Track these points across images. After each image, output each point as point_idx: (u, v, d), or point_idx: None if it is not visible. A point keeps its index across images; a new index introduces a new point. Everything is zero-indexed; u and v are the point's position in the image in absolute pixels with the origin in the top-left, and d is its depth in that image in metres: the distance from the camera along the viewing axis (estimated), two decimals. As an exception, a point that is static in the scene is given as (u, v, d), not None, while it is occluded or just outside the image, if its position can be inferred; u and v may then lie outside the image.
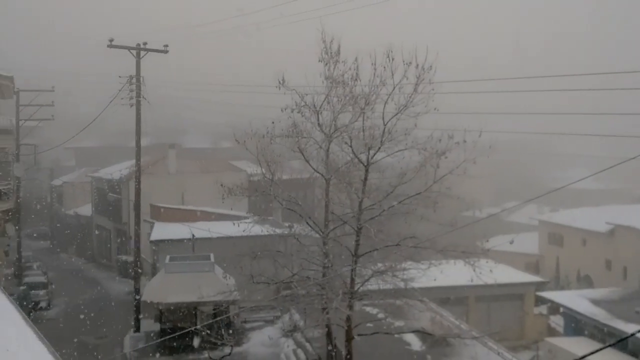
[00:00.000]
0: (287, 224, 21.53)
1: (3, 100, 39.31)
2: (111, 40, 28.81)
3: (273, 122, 19.42)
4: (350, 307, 18.55)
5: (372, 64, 18.09)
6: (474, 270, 17.79)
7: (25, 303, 31.58)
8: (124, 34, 30.41)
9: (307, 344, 25.06)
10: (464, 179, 17.11)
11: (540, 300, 33.56)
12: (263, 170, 19.80)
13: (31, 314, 31.26)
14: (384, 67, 18.00)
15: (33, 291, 35.94)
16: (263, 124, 19.49)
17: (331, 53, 18.95)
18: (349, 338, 19.18)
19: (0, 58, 50.32)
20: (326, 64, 19.03)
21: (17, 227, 42.13)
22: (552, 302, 31.58)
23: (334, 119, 19.16)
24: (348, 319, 18.79)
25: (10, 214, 39.65)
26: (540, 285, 34.80)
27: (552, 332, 33.07)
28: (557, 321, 33.87)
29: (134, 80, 30.26)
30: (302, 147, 19.34)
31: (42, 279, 39.22)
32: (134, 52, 29.83)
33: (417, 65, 17.39)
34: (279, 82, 18.91)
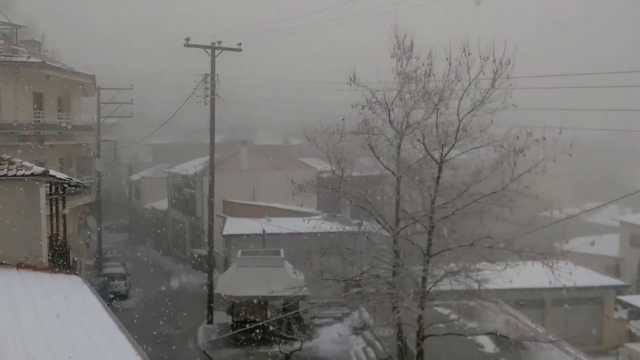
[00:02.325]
0: (356, 222, 21.45)
1: (85, 98, 41.19)
2: (187, 40, 29.53)
3: (343, 119, 19.38)
4: (422, 307, 18.27)
5: (446, 58, 17.72)
6: (552, 272, 17.12)
7: (105, 293, 32.88)
8: (200, 33, 31.06)
9: (377, 343, 24.92)
10: (543, 178, 16.48)
11: (620, 305, 32.08)
12: (333, 167, 19.79)
13: (111, 304, 32.54)
14: (460, 62, 17.59)
15: (112, 282, 37.35)
16: (333, 121, 19.47)
17: (404, 48, 18.72)
18: (420, 338, 18.90)
19: (83, 58, 52.66)
20: (398, 59, 18.80)
21: (98, 220, 44.03)
22: (633, 306, 30.10)
23: (406, 115, 18.90)
24: (419, 318, 18.51)
25: (91, 207, 41.53)
26: (621, 289, 33.24)
27: (632, 337, 31.53)
28: (638, 326, 32.29)
29: (208, 78, 30.91)
30: (373, 144, 19.20)
31: (121, 270, 40.72)
32: (209, 50, 30.45)
33: (495, 59, 16.87)
34: (350, 79, 18.83)
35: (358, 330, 27.30)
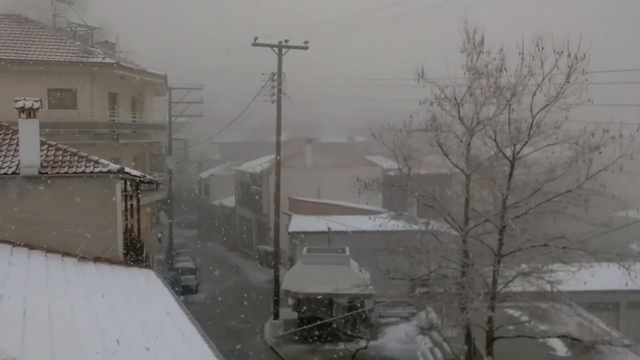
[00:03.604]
0: (423, 220, 21.19)
1: (157, 98, 42.43)
2: (255, 39, 29.93)
3: (411, 116, 19.20)
4: (492, 308, 17.88)
5: (519, 53, 17.31)
6: (629, 274, 16.40)
7: (176, 287, 33.79)
8: (267, 33, 31.44)
9: (445, 343, 24.54)
10: (619, 176, 15.79)
11: None
12: (399, 165, 19.62)
13: (181, 297, 33.39)
14: (533, 57, 17.13)
15: (183, 276, 38.38)
16: (400, 118, 19.30)
17: (474, 43, 18.39)
18: (489, 340, 18.52)
19: (154, 58, 54.23)
20: (469, 54, 18.51)
21: (169, 216, 45.33)
22: None
23: (477, 111, 18.54)
24: (489, 320, 18.13)
25: (163, 203, 42.76)
26: None
27: None
28: None
29: (275, 77, 31.22)
30: (441, 141, 18.93)
31: (191, 264, 41.77)
32: (276, 49, 30.75)
33: (569, 54, 16.28)
34: (418, 75, 18.61)
35: (425, 330, 26.97)
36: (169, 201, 44.61)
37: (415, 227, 20.91)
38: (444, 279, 18.59)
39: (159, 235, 44.34)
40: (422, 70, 18.48)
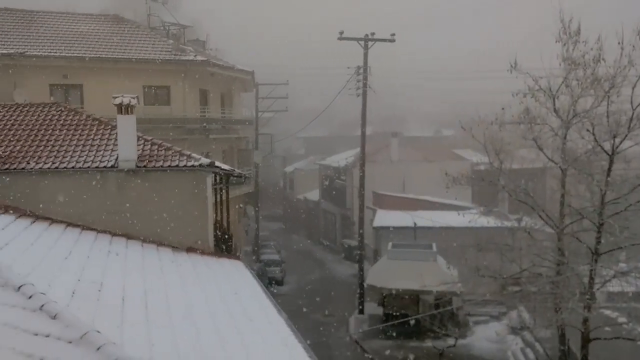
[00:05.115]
0: (515, 217, 20.48)
1: (245, 94, 43.36)
2: (341, 33, 29.94)
3: (503, 108, 18.62)
4: (588, 308, 17.04)
5: (618, 42, 16.37)
6: None
7: (262, 278, 34.44)
8: (353, 26, 31.39)
9: (537, 344, 23.66)
10: None
11: None
12: (490, 158, 19.08)
13: (268, 289, 33.99)
14: (633, 47, 16.19)
15: (269, 268, 39.10)
16: (491, 110, 18.76)
17: (570, 33, 17.58)
18: (585, 341, 17.67)
19: (242, 55, 55.44)
20: (564, 44, 17.74)
21: (256, 209, 46.30)
22: None
23: (573, 103, 17.73)
24: (585, 321, 17.31)
25: (250, 197, 43.71)
26: None
27: None
28: None
29: (361, 70, 31.11)
30: (535, 134, 18.22)
31: (277, 257, 42.50)
32: (362, 43, 30.62)
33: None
34: (511, 66, 17.99)
35: (516, 330, 26.10)
36: (255, 195, 45.54)
37: (507, 223, 20.17)
38: (537, 278, 17.88)
39: (246, 227, 45.38)
40: (515, 61, 17.86)
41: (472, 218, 20.87)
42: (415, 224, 31.25)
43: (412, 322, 26.47)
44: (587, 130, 17.36)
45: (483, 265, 18.63)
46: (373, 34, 30.51)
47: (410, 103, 75.42)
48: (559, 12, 17.54)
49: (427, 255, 27.50)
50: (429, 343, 25.68)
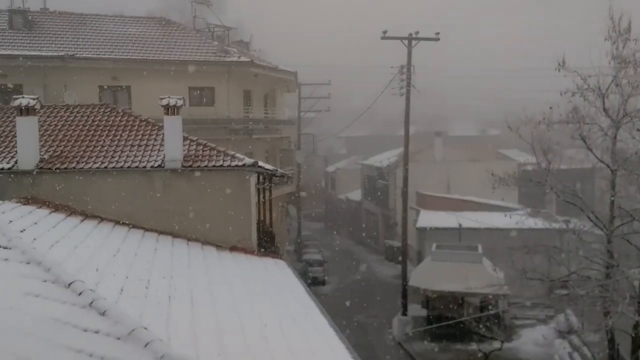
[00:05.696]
0: (563, 218, 20.00)
1: (287, 94, 43.58)
2: (384, 32, 29.74)
3: (551, 107, 18.20)
4: (639, 312, 16.50)
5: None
6: None
7: (304, 278, 34.50)
8: (395, 25, 31.11)
9: (585, 348, 23.06)
10: None
11: None
12: (538, 159, 18.71)
13: (309, 288, 34.06)
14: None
15: (311, 267, 39.20)
16: (539, 110, 18.39)
17: (620, 30, 17.14)
18: (635, 346, 17.16)
19: (285, 56, 55.84)
20: (614, 42, 17.29)
21: (297, 209, 46.48)
22: None
23: (623, 102, 17.30)
24: (635, 325, 16.79)
25: (291, 196, 43.91)
26: None
27: None
28: None
29: (404, 69, 30.86)
30: (584, 134, 17.77)
31: (319, 257, 42.56)
32: (406, 42, 30.37)
33: None
34: (559, 64, 17.59)
35: (564, 333, 25.49)
36: (297, 194, 45.72)
37: (555, 225, 19.71)
38: (586, 281, 17.41)
39: (288, 227, 45.60)
40: (563, 59, 17.45)
41: (519, 219, 20.50)
42: (460, 225, 30.82)
43: (457, 324, 26.12)
44: (638, 130, 16.86)
45: (530, 267, 18.25)
46: (417, 32, 30.20)
47: (455, 102, 74.58)
48: (609, 10, 17.11)
49: (472, 256, 27.09)
50: (474, 346, 25.30)
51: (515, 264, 18.54)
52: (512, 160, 43.25)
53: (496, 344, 24.88)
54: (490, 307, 25.41)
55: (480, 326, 25.41)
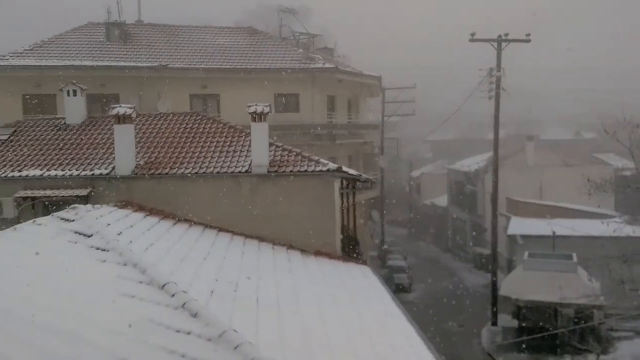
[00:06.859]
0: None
1: (371, 98, 43.46)
2: (472, 35, 29.04)
3: (652, 109, 17.09)
4: None
5: None
6: None
7: (388, 284, 34.10)
8: (484, 26, 30.35)
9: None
10: None
11: None
12: (636, 163, 17.64)
13: (394, 295, 33.67)
14: None
15: (395, 274, 38.73)
16: (637, 112, 17.33)
17: None
18: None
19: (369, 60, 55.66)
20: None
21: (380, 214, 46.16)
22: None
23: None
24: None
25: (375, 201, 43.68)
26: None
27: None
28: None
29: (493, 72, 29.97)
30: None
31: (403, 263, 42.01)
32: (495, 44, 29.50)
33: None
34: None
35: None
36: (381, 200, 45.40)
37: (655, 233, 18.58)
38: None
39: (372, 232, 45.33)
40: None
41: (616, 227, 19.40)
42: (554, 232, 29.51)
43: (550, 336, 25.00)
44: None
45: (628, 277, 17.22)
46: (507, 34, 29.26)
47: (547, 104, 71.79)
48: None
49: (567, 266, 25.83)
50: (568, 359, 24.12)
51: (612, 274, 17.57)
52: (609, 165, 41.29)
53: (592, 357, 23.61)
54: (585, 319, 24.13)
55: (575, 338, 24.19)
